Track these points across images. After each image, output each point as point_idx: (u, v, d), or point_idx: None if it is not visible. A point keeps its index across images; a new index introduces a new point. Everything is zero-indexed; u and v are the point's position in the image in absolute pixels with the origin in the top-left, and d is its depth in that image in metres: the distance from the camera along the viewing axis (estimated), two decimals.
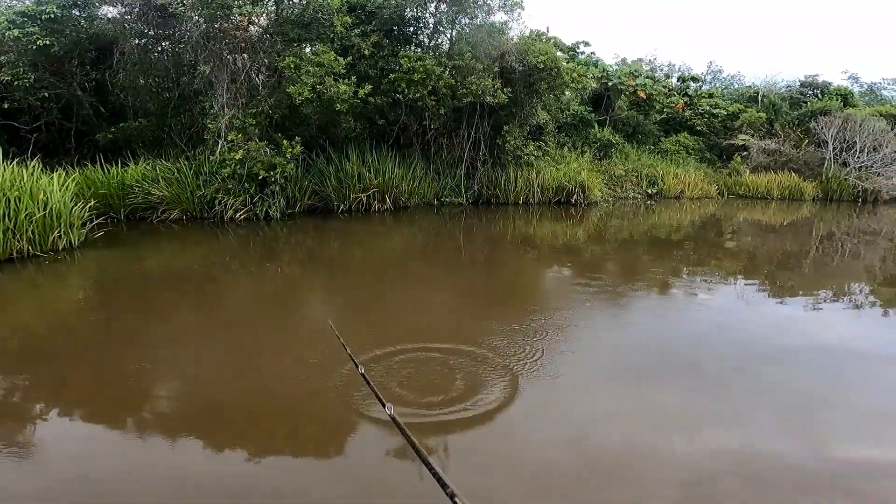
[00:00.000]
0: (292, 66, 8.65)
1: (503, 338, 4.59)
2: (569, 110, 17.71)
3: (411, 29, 12.68)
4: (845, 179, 17.03)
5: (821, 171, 17.31)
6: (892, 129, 17.26)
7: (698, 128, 19.44)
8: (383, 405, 1.44)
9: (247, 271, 7.31)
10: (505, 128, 12.77)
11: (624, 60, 21.11)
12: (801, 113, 18.72)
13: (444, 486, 0.90)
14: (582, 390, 3.80)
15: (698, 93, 20.93)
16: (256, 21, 8.31)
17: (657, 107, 19.25)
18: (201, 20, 8.22)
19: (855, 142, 16.85)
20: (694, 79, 21.60)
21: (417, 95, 10.86)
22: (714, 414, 3.50)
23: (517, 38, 12.14)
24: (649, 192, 16.65)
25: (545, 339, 4.66)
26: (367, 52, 10.35)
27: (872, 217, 15.51)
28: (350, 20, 9.66)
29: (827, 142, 17.04)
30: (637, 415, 3.42)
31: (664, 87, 19.66)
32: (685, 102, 20.02)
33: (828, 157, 17.18)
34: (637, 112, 19.03)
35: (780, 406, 3.57)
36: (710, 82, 24.46)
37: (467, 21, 12.78)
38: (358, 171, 11.13)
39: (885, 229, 13.83)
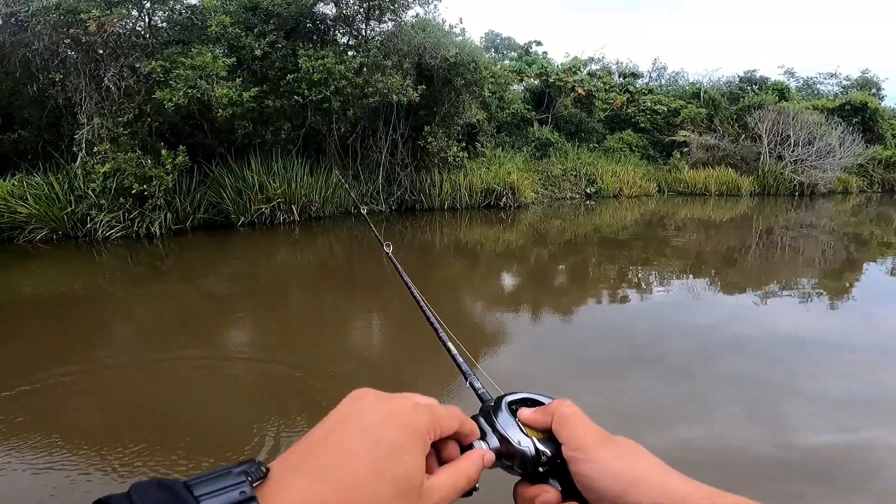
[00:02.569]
0: (159, 69, 7.86)
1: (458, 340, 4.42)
2: (509, 109, 17.20)
3: (322, 27, 11.98)
4: (781, 173, 16.94)
5: (757, 166, 17.19)
6: (827, 122, 17.25)
7: (641, 125, 19.15)
8: (381, 244, 1.53)
9: (94, 297, 6.51)
10: (426, 128, 12.15)
11: (576, 59, 20.70)
12: (739, 108, 18.62)
13: (435, 329, 0.81)
14: (550, 388, 3.58)
15: (640, 90, 20.67)
16: (113, 25, 7.48)
17: (598, 104, 18.89)
18: (48, 26, 7.36)
19: (789, 135, 16.77)
20: (635, 75, 21.35)
21: (320, 97, 10.15)
22: (682, 405, 3.60)
23: (431, 33, 11.52)
24: (588, 191, 16.25)
25: (504, 341, 4.66)
26: (259, 53, 9.59)
27: (811, 211, 15.42)
28: (230, 19, 8.88)
29: (762, 136, 16.93)
30: (607, 409, 3.46)
31: (604, 83, 19.32)
32: (627, 99, 19.71)
33: (763, 151, 17.07)
34: (580, 110, 18.63)
35: (744, 396, 3.69)
36: (655, 79, 24.28)
37: (389, 16, 12.16)
38: (259, 181, 10.38)
39: (824, 223, 13.71)
